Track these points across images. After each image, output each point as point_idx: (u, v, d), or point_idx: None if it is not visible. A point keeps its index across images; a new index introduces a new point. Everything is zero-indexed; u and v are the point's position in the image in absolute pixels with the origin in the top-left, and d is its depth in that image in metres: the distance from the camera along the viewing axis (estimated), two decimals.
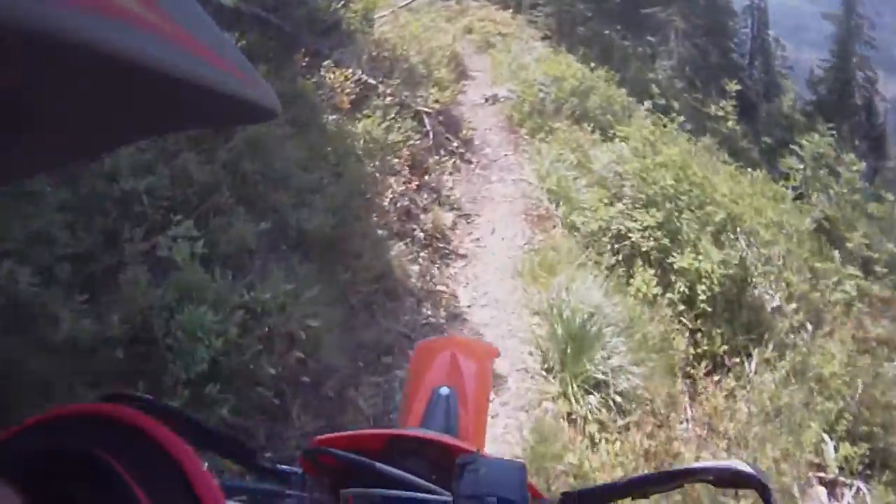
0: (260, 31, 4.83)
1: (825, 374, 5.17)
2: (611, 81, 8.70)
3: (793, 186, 8.35)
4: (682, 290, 4.61)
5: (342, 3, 5.64)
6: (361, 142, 4.36)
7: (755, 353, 5.08)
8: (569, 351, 3.52)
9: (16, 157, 0.27)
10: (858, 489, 4.26)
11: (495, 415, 3.31)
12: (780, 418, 4.57)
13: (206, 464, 0.73)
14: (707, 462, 0.73)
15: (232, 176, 3.48)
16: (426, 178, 4.89)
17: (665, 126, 6.30)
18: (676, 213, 5.11)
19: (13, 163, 0.28)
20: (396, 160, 4.59)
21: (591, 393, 3.52)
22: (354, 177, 4.02)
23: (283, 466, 0.80)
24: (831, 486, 4.28)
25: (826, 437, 4.77)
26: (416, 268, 4.09)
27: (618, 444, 3.37)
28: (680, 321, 4.67)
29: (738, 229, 5.58)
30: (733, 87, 8.53)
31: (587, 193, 5.48)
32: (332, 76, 4.72)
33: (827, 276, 5.89)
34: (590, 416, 3.41)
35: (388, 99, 5.17)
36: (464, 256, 4.53)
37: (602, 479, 3.05)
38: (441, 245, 4.49)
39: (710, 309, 4.65)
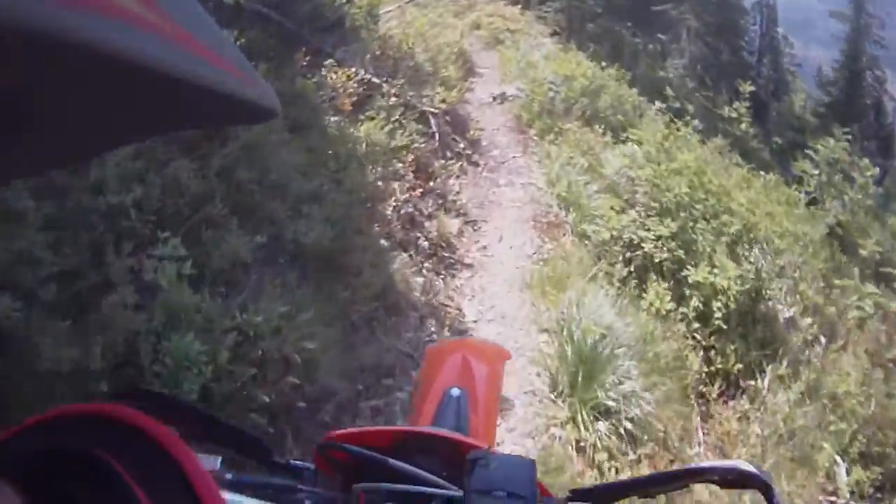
0: (261, 28, 4.63)
1: (839, 393, 5.04)
2: (622, 80, 8.47)
3: (806, 191, 8.15)
4: (696, 305, 4.42)
5: None
6: (364, 146, 4.16)
7: (769, 369, 4.92)
8: (579, 375, 3.34)
9: (16, 157, 0.27)
10: None
11: (501, 442, 3.14)
12: (794, 441, 4.42)
13: (221, 458, 0.70)
14: (712, 462, 0.76)
15: (226, 185, 3.29)
16: (431, 183, 4.69)
17: (679, 129, 6.08)
18: (691, 223, 4.91)
19: (13, 162, 0.28)
20: (400, 165, 4.40)
21: (601, 419, 3.35)
22: (356, 183, 3.83)
23: (296, 462, 0.80)
24: None
25: (839, 458, 4.64)
26: (419, 280, 3.90)
27: (628, 473, 3.21)
28: (693, 337, 4.49)
29: (754, 239, 5.39)
30: (747, 88, 8.29)
31: (598, 199, 5.29)
32: (333, 76, 4.52)
33: (846, 295, 5.71)
34: (599, 445, 3.24)
35: (393, 99, 4.97)
36: (470, 266, 4.35)
37: None
38: (446, 254, 4.30)
39: (724, 326, 4.46)
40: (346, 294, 3.24)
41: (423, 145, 4.89)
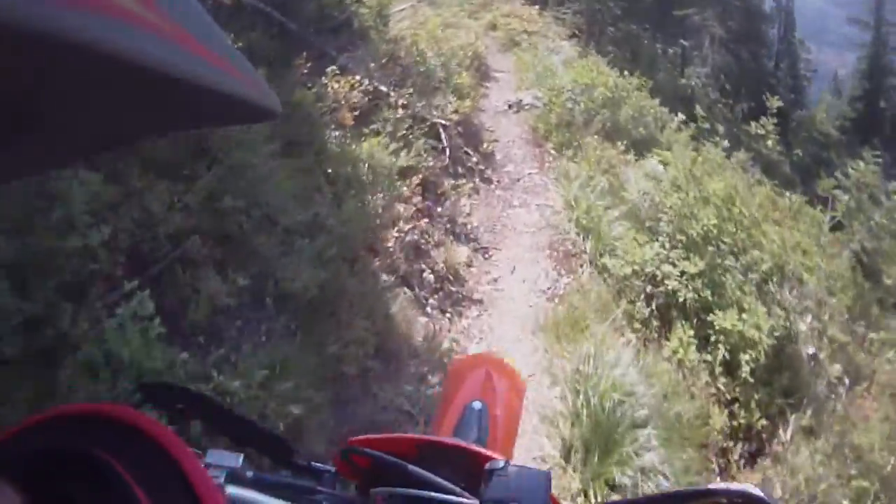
0: (262, 30, 4.24)
1: (864, 446, 4.76)
2: (643, 88, 8.04)
3: (832, 216, 7.76)
4: (723, 355, 4.05)
5: None
6: (366, 166, 3.78)
7: (792, 419, 4.58)
8: (594, 445, 2.98)
9: (16, 157, 0.27)
10: None
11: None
12: None
13: (242, 456, 0.71)
14: (721, 484, 0.72)
15: (210, 215, 2.92)
16: (440, 208, 4.31)
17: (708, 152, 5.66)
18: (719, 259, 4.52)
19: (14, 162, 0.28)
20: (406, 188, 4.02)
21: (615, 491, 3.00)
22: (355, 210, 3.45)
23: (318, 464, 0.80)
24: None
25: None
26: (422, 320, 3.54)
27: None
28: (717, 388, 4.12)
29: (783, 277, 5.02)
30: (775, 103, 7.84)
31: (619, 226, 4.90)
32: (336, 85, 4.13)
33: (882, 352, 5.39)
34: None
35: (401, 111, 4.57)
36: (479, 303, 3.97)
37: None
38: (453, 288, 3.93)
39: (751, 379, 4.09)
40: (338, 346, 2.87)
41: (431, 163, 4.51)
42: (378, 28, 5.19)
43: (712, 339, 4.18)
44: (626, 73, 8.01)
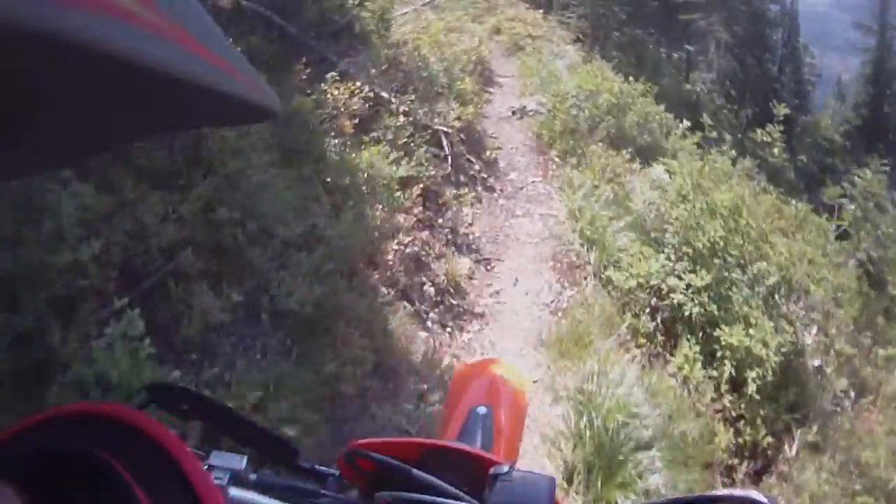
0: (262, 34, 4.16)
1: (870, 462, 4.70)
2: (648, 94, 7.95)
3: (838, 224, 7.67)
4: (729, 372, 3.96)
5: (358, 1, 4.95)
6: (365, 176, 3.69)
7: (797, 434, 4.50)
8: (597, 468, 2.90)
9: (16, 156, 0.27)
10: None
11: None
12: None
13: (246, 457, 0.70)
14: (726, 490, 0.73)
15: (204, 227, 2.85)
16: (441, 219, 4.23)
17: (715, 161, 5.57)
18: (726, 272, 4.43)
19: (14, 161, 0.28)
20: (406, 198, 3.93)
21: None
22: (354, 225, 3.37)
23: (322, 467, 0.80)
24: None
25: None
26: (422, 335, 3.45)
27: None
28: (723, 405, 4.03)
29: (790, 290, 4.93)
30: (782, 110, 7.76)
31: (624, 237, 4.81)
32: (336, 91, 4.04)
33: (889, 368, 5.31)
34: None
35: (402, 118, 4.49)
36: (480, 317, 3.89)
37: None
38: (454, 302, 3.85)
39: (758, 397, 4.01)
40: (335, 365, 2.79)
41: (433, 171, 4.43)
42: (380, 32, 5.11)
43: (718, 354, 4.10)
44: (630, 78, 7.92)
